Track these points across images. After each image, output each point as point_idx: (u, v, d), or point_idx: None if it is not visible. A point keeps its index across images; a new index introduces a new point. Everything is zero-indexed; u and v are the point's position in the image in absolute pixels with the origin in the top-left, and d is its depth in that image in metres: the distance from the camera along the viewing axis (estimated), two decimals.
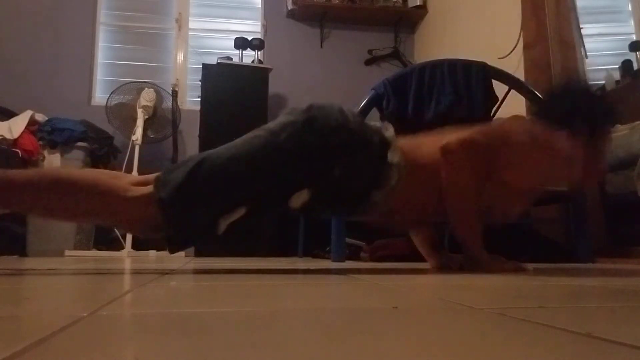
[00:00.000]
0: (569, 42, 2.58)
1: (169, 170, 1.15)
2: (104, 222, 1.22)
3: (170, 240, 1.13)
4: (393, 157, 1.22)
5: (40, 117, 3.31)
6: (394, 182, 1.22)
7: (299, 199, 1.15)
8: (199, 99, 3.45)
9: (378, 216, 1.34)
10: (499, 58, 2.74)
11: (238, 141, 1.18)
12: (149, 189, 1.11)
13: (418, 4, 4.15)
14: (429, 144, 1.33)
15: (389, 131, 1.28)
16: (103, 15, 4.06)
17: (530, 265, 1.34)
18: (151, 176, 1.16)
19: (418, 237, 1.59)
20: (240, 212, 1.12)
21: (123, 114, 3.42)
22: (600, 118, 1.36)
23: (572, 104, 1.34)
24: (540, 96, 2.20)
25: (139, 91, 3.40)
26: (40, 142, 3.20)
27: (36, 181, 1.13)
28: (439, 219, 1.37)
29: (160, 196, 1.09)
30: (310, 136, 1.15)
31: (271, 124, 1.20)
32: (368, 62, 4.24)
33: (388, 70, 4.01)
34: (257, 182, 1.13)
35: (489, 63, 2.16)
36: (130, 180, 1.18)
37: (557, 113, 1.33)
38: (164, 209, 1.08)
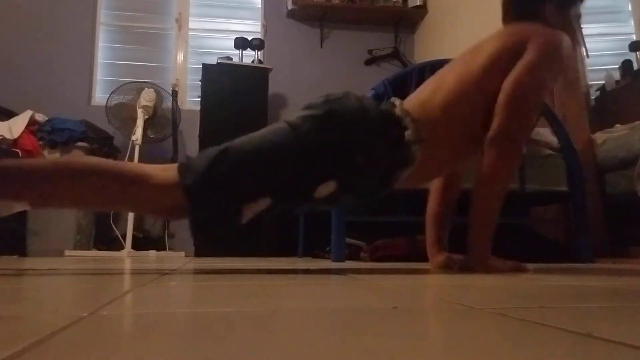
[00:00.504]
0: None
1: (191, 159, 1.16)
2: (129, 209, 1.24)
3: (195, 225, 1.14)
4: (410, 134, 1.22)
5: (40, 117, 3.31)
6: (416, 155, 1.23)
7: (326, 189, 1.16)
8: (199, 99, 3.45)
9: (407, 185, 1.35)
10: None
11: (260, 132, 1.19)
12: (174, 176, 1.12)
13: (418, 4, 4.16)
14: (436, 87, 1.35)
15: (398, 107, 1.27)
16: (103, 15, 4.06)
17: (531, 266, 1.33)
18: (171, 165, 1.17)
19: (429, 234, 1.59)
20: (266, 202, 1.12)
21: (123, 114, 3.42)
22: None
23: None
24: None
25: (139, 91, 3.40)
26: (40, 142, 3.20)
27: (61, 169, 1.13)
28: (469, 156, 1.39)
29: (186, 182, 1.10)
30: (331, 129, 1.16)
31: (291, 118, 1.20)
32: (368, 62, 4.24)
33: (388, 70, 4.01)
34: (281, 172, 1.14)
35: None
36: (154, 168, 1.18)
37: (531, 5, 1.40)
38: (190, 195, 1.10)
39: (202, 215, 1.12)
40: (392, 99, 1.32)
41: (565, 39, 1.32)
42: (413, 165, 1.25)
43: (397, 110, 1.26)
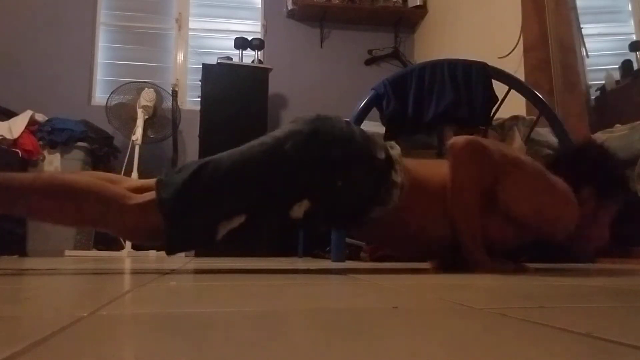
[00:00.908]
0: (569, 42, 2.58)
1: (171, 173, 1.14)
2: (104, 229, 1.21)
3: (169, 242, 1.13)
4: (397, 176, 1.21)
5: (40, 117, 3.31)
6: (395, 199, 1.20)
7: (300, 209, 1.14)
8: (199, 99, 3.45)
9: (379, 240, 1.33)
10: (499, 58, 2.73)
11: (243, 147, 1.17)
12: (151, 195, 1.10)
13: (418, 4, 4.16)
14: (434, 166, 1.33)
15: (395, 150, 1.27)
16: (103, 15, 4.06)
17: (532, 266, 1.33)
18: (151, 180, 1.15)
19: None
20: (240, 219, 1.10)
21: (123, 114, 3.42)
22: (614, 186, 1.38)
23: (591, 165, 1.36)
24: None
25: (139, 91, 3.40)
26: (40, 142, 3.20)
27: (37, 186, 1.12)
28: (443, 245, 1.33)
29: (162, 196, 1.08)
30: (314, 147, 1.14)
31: (277, 132, 1.19)
32: (368, 62, 4.24)
33: (388, 70, 4.01)
34: (258, 188, 1.12)
35: (489, 63, 2.16)
36: (130, 185, 1.17)
37: (573, 169, 1.34)
38: (165, 209, 1.08)
39: (176, 233, 1.10)
40: (393, 143, 1.32)
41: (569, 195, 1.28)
42: (388, 206, 1.21)
43: (395, 153, 1.25)
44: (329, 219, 1.27)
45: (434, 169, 1.31)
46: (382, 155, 1.22)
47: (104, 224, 1.16)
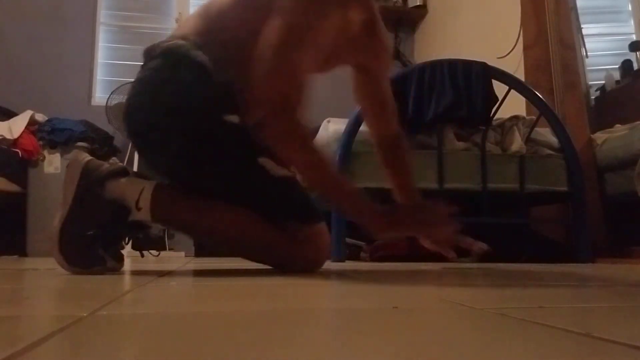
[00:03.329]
0: (569, 41, 2.58)
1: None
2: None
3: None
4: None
5: (40, 117, 3.31)
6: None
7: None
8: None
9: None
10: (498, 57, 2.74)
11: None
12: None
13: (418, 4, 4.16)
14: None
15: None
16: (103, 15, 4.06)
17: (483, 246, 1.20)
18: None
19: (393, 183, 1.47)
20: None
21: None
22: None
23: None
24: (540, 96, 2.20)
25: None
26: (40, 142, 3.20)
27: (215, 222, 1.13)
28: None
29: None
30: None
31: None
32: None
33: None
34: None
35: (489, 63, 2.16)
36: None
37: None
38: None
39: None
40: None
41: None
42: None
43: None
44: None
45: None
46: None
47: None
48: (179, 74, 1.12)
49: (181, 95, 1.10)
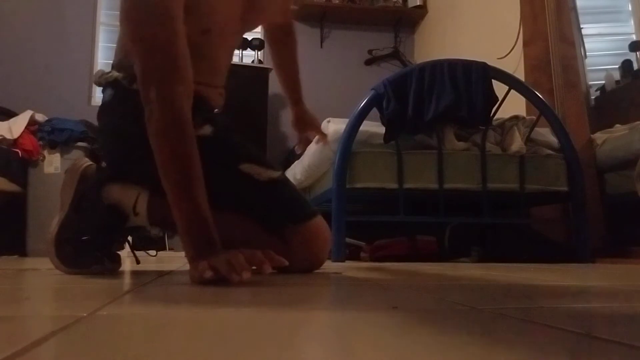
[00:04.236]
0: (569, 41, 2.58)
1: None
2: None
3: None
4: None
5: (40, 117, 3.31)
6: None
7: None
8: None
9: None
10: (498, 58, 2.74)
11: None
12: None
13: (418, 4, 4.16)
14: None
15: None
16: (103, 15, 4.06)
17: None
18: None
19: (279, 75, 1.48)
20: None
21: None
22: None
23: None
24: (540, 96, 2.20)
25: None
26: (40, 142, 3.20)
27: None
28: None
29: None
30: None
31: None
32: (368, 62, 4.24)
33: (388, 70, 4.01)
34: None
35: (489, 63, 2.16)
36: None
37: None
38: None
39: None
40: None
41: None
42: None
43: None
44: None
45: None
46: None
47: None
48: (124, 120, 1.10)
49: (136, 135, 0.99)
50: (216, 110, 1.28)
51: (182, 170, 0.89)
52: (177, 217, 0.89)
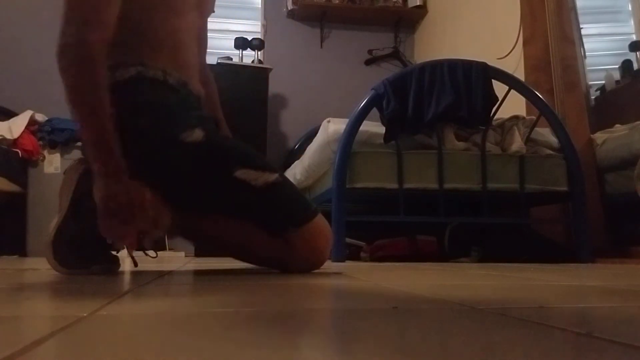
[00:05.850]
0: (569, 41, 2.58)
1: None
2: None
3: None
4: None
5: (40, 117, 3.31)
6: None
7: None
8: None
9: None
10: (498, 58, 2.74)
11: None
12: None
13: (418, 4, 4.16)
14: None
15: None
16: None
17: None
18: None
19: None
20: None
21: None
22: None
23: None
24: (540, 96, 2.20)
25: None
26: (40, 142, 3.20)
27: None
28: None
29: None
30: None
31: None
32: (368, 62, 4.24)
33: (388, 70, 4.01)
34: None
35: (489, 63, 2.16)
36: None
37: None
38: None
39: None
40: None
41: None
42: None
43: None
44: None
45: None
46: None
47: None
48: (121, 119, 1.07)
49: (133, 134, 1.08)
50: (199, 97, 1.26)
51: (87, 102, 1.01)
52: (85, 146, 1.02)
